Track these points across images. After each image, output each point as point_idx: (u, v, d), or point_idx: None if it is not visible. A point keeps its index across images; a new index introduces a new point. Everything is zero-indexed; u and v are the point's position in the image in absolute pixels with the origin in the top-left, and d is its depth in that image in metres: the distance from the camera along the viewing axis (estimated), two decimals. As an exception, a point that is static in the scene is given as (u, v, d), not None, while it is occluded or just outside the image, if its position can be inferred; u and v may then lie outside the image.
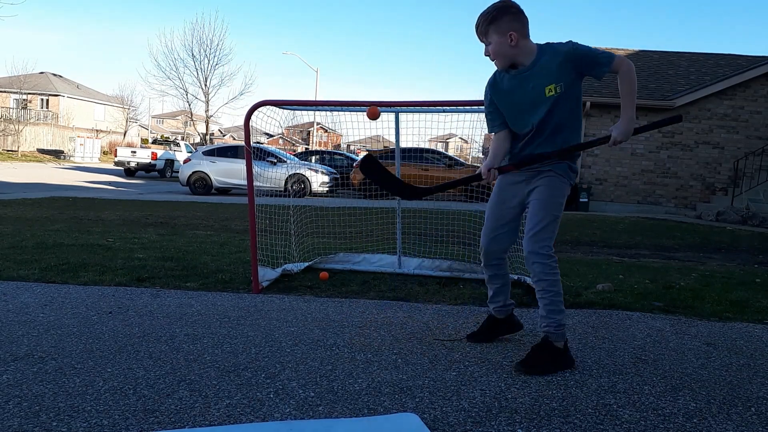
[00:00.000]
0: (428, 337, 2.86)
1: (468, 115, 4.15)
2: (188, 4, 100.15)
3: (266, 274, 3.95)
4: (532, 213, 2.51)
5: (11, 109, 38.11)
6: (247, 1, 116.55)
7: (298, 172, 14.69)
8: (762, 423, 2.01)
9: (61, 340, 2.61)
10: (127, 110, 47.18)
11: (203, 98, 33.14)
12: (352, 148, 38.17)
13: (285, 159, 15.56)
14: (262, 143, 35.39)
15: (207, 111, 33.44)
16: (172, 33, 74.07)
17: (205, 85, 33.03)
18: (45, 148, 35.19)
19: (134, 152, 24.75)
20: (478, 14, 2.50)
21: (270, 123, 4.14)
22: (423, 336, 2.87)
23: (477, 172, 2.67)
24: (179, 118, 62.45)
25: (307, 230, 5.46)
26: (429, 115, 4.21)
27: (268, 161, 13.82)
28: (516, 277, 4.01)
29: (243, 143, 4.90)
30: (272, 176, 12.61)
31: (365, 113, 3.68)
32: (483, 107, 3.81)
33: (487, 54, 2.51)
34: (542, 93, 2.45)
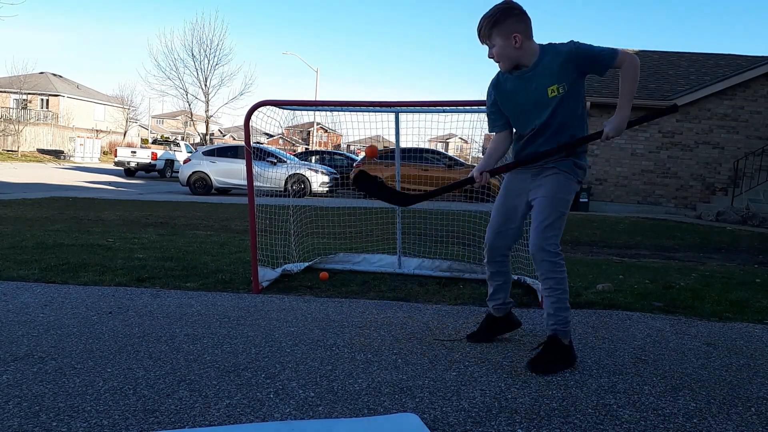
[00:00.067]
0: (428, 337, 2.86)
1: (468, 115, 4.15)
2: (188, 4, 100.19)
3: (266, 274, 3.95)
4: (538, 210, 2.50)
5: (11, 109, 38.12)
6: (247, 1, 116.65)
7: (298, 172, 14.69)
8: (762, 423, 2.01)
9: (61, 340, 2.61)
10: (127, 110, 47.17)
11: (203, 98, 33.15)
12: (352, 148, 38.19)
13: (285, 159, 15.57)
14: (262, 143, 35.41)
15: (207, 111, 33.43)
16: (172, 33, 74.16)
17: (205, 85, 33.04)
18: (45, 148, 35.20)
19: (134, 152, 24.74)
20: (480, 17, 2.47)
21: (270, 123, 4.14)
22: (423, 336, 2.87)
23: (469, 176, 2.67)
24: (179, 118, 62.46)
25: (307, 230, 5.46)
26: (429, 115, 4.21)
27: (268, 161, 13.83)
28: (516, 277, 4.01)
29: (243, 143, 4.90)
30: (272, 176, 12.61)
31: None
32: (483, 107, 3.84)
33: (491, 56, 2.49)
34: (545, 94, 2.45)
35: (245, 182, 4.06)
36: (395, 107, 4.04)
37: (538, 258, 2.47)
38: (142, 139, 46.03)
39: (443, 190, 2.84)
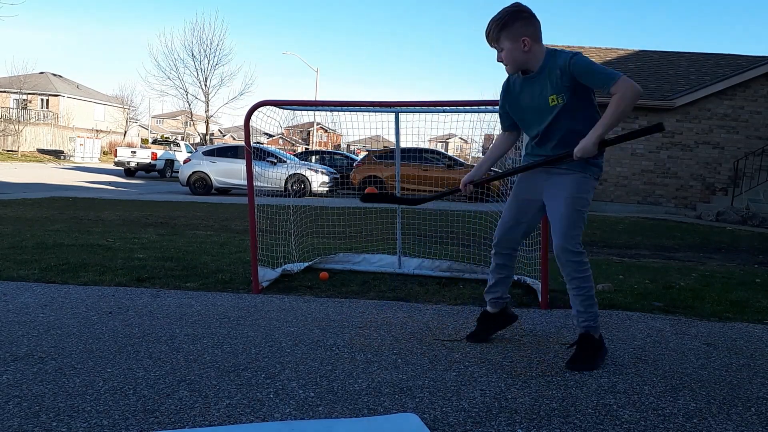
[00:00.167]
0: (428, 337, 2.86)
1: (468, 115, 4.14)
2: (188, 4, 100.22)
3: (266, 275, 3.95)
4: (557, 211, 2.50)
5: (11, 109, 38.12)
6: (247, 1, 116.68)
7: (298, 172, 14.68)
8: (762, 423, 2.01)
9: (61, 340, 2.61)
10: (127, 110, 47.16)
11: (203, 98, 33.13)
12: (352, 148, 38.18)
13: (285, 159, 15.57)
14: (262, 143, 35.39)
15: (207, 111, 33.41)
16: (172, 33, 74.12)
17: (205, 85, 33.02)
18: (45, 148, 35.20)
19: (134, 152, 24.74)
20: (489, 19, 2.44)
21: (270, 123, 4.13)
22: (423, 336, 2.87)
23: (457, 186, 2.79)
24: (179, 118, 62.45)
25: (307, 230, 5.45)
26: (429, 115, 4.21)
27: (268, 161, 13.82)
28: (516, 277, 4.01)
29: (243, 143, 4.90)
30: (272, 176, 12.59)
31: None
32: (482, 107, 3.87)
33: (500, 60, 2.48)
34: (546, 101, 2.45)
35: (245, 182, 4.06)
36: (395, 107, 4.04)
37: (562, 259, 2.49)
38: (142, 139, 46.03)
39: (432, 198, 3.03)
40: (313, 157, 20.39)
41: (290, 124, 59.16)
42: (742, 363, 2.65)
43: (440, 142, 59.67)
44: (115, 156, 24.59)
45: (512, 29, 2.39)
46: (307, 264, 4.49)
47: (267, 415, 1.94)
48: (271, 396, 2.09)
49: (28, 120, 35.70)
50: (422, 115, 4.24)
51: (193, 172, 15.36)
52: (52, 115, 41.46)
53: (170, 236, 6.18)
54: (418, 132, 4.43)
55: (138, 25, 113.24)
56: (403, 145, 4.48)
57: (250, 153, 3.83)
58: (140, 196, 13.53)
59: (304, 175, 14.64)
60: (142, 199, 12.17)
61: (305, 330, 2.90)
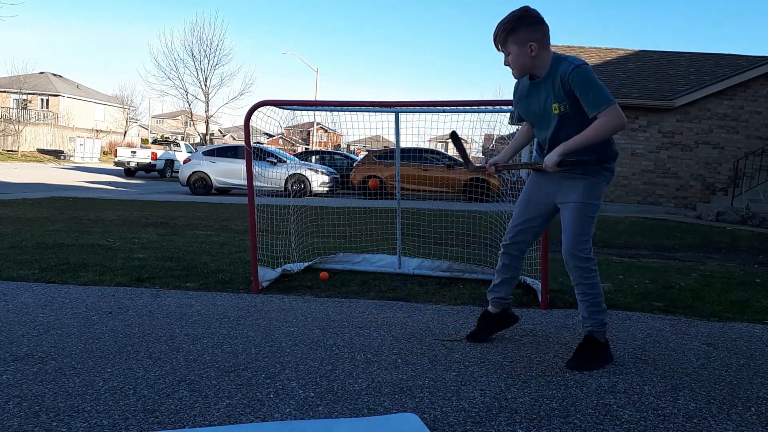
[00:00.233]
0: (428, 337, 2.86)
1: (468, 115, 4.15)
2: (188, 4, 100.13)
3: (266, 274, 3.95)
4: (568, 217, 2.51)
5: (11, 109, 38.11)
6: (247, 1, 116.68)
7: (298, 172, 14.68)
8: (762, 423, 2.01)
9: (61, 340, 2.61)
10: (127, 110, 47.16)
11: (203, 98, 33.11)
12: (352, 148, 38.19)
13: (285, 159, 15.57)
14: (262, 143, 35.40)
15: (207, 111, 33.41)
16: (172, 33, 73.99)
17: (205, 85, 33.01)
18: (45, 148, 35.19)
19: (134, 152, 24.73)
20: (497, 23, 2.43)
21: (270, 123, 4.14)
22: (423, 336, 2.87)
23: (482, 164, 2.78)
24: (179, 118, 62.44)
25: (307, 230, 5.46)
26: (429, 115, 4.22)
27: (268, 161, 13.83)
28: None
29: (243, 143, 4.90)
30: (272, 176, 12.60)
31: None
32: (482, 107, 3.89)
33: (506, 64, 2.47)
34: (550, 109, 2.45)
35: (245, 182, 4.06)
36: (395, 107, 4.04)
37: (570, 264, 2.49)
38: (142, 139, 46.04)
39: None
40: (313, 157, 20.39)
41: (290, 124, 59.24)
42: (742, 363, 2.65)
43: (440, 142, 59.67)
44: (115, 156, 24.59)
45: (519, 34, 2.37)
46: (307, 264, 4.49)
47: (267, 415, 1.94)
48: (271, 396, 2.09)
49: (28, 120, 35.70)
50: (422, 115, 4.24)
51: (193, 172, 15.36)
52: (52, 115, 41.46)
53: (170, 236, 6.18)
54: (418, 132, 4.44)
55: (138, 25, 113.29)
56: (403, 145, 4.48)
57: (250, 153, 3.83)
58: (140, 196, 13.53)
59: (304, 175, 14.64)
60: (142, 199, 12.17)
61: (305, 330, 2.90)
